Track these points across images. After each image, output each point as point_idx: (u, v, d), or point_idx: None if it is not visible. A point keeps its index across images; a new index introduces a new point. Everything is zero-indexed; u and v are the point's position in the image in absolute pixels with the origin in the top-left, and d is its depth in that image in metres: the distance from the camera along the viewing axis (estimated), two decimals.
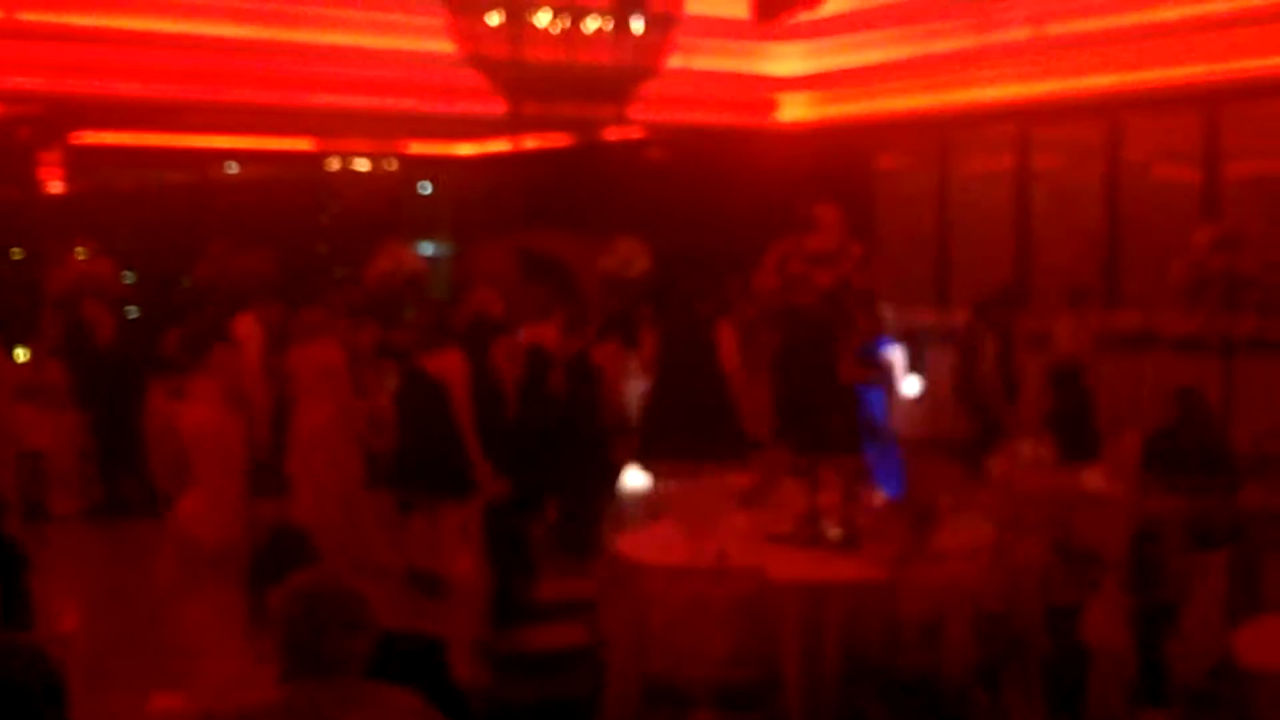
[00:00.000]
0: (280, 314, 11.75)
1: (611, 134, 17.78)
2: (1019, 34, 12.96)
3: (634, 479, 10.88)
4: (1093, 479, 8.10)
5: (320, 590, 3.52)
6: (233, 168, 20.57)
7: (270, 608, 3.51)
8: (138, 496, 11.92)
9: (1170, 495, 7.53)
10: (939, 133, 16.24)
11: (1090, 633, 6.13)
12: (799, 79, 16.18)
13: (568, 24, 10.26)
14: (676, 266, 13.97)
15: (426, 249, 20.88)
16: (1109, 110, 14.32)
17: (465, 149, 20.75)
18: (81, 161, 17.81)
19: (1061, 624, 6.32)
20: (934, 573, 6.05)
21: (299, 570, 3.88)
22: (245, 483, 10.22)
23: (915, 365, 12.93)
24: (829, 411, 7.46)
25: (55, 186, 17.55)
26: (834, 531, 6.68)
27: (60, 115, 15.84)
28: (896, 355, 11.67)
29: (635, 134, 17.67)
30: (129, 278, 17.66)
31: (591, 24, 10.30)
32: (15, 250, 17.33)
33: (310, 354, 9.87)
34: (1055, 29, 12.94)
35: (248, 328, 11.39)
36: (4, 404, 11.10)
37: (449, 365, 9.43)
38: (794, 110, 16.75)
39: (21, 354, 12.76)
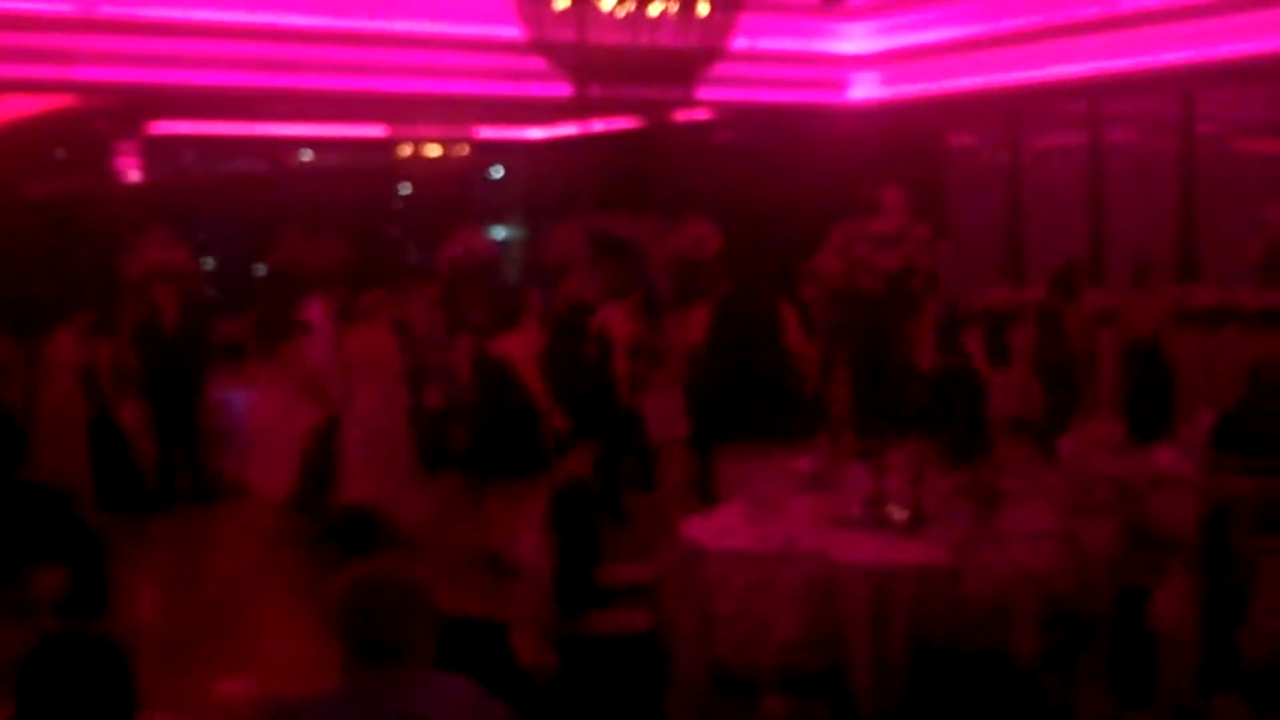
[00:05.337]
0: (347, 298, 11.88)
1: (679, 115, 17.76)
2: (1089, 9, 12.79)
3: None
4: (1164, 459, 8.00)
5: (379, 580, 3.55)
6: (306, 155, 20.74)
7: (329, 596, 3.55)
8: (191, 484, 12.12)
9: (1242, 476, 7.43)
10: (1010, 109, 16.10)
11: (1159, 617, 6.07)
12: (867, 57, 16.09)
13: (633, 7, 10.22)
14: (746, 247, 13.95)
15: (498, 233, 20.98)
16: (1182, 83, 14.13)
17: (535, 133, 20.81)
18: (158, 151, 18.06)
19: (1130, 608, 6.27)
20: (1000, 555, 6.02)
21: (367, 550, 3.93)
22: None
23: (993, 345, 12.83)
24: (896, 393, 7.43)
25: (132, 176, 17.79)
26: (900, 514, 6.66)
27: (136, 106, 16.05)
28: (973, 336, 11.63)
29: (703, 115, 17.64)
30: (209, 264, 17.90)
31: (657, 6, 10.25)
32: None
33: (360, 339, 9.97)
34: (1125, 2, 12.77)
35: (318, 312, 11.51)
36: (66, 391, 11.22)
37: (515, 346, 9.49)
38: (863, 89, 16.65)
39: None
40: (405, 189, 20.88)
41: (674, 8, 10.39)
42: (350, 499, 9.66)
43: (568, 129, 20.11)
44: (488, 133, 20.18)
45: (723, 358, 10.60)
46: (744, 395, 10.24)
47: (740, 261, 12.59)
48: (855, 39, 15.80)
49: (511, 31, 10.85)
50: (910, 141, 16.43)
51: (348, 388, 10.04)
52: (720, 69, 11.01)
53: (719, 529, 6.65)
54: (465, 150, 19.69)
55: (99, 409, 11.48)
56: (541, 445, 9.05)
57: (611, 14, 10.20)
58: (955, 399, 10.69)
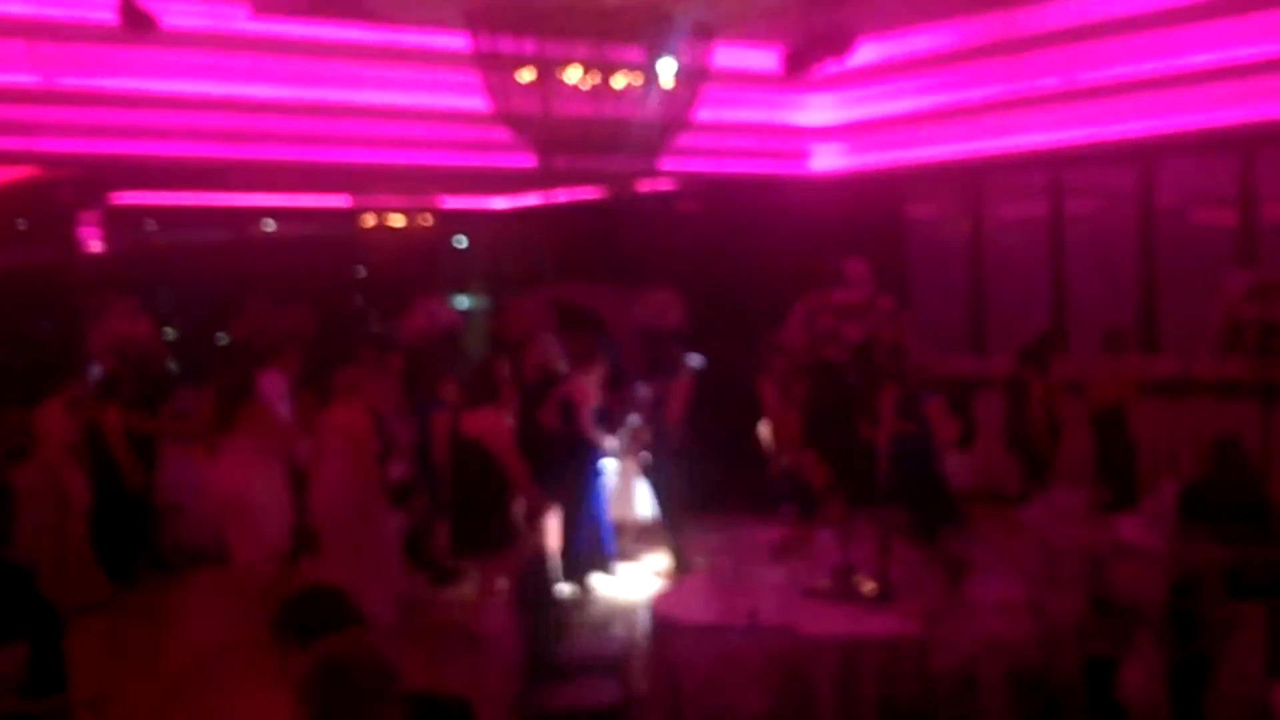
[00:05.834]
0: (300, 363, 11.83)
1: (643, 186, 17.84)
2: (1049, 81, 12.93)
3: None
4: (1129, 529, 8.03)
5: (345, 659, 3.51)
6: (269, 225, 20.72)
7: (297, 675, 3.51)
8: (148, 558, 12.00)
9: (1208, 545, 7.46)
10: (971, 180, 16.23)
11: (1127, 687, 6.07)
12: (829, 128, 16.20)
13: (597, 79, 10.29)
14: (709, 317, 13.98)
15: (462, 302, 20.97)
16: (1142, 155, 14.29)
17: (499, 203, 20.86)
18: (120, 220, 18.00)
19: (1098, 677, 6.26)
20: (968, 626, 6.01)
21: (330, 630, 3.88)
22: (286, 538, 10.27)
23: (955, 414, 12.88)
24: (861, 465, 7.44)
25: (95, 245, 17.73)
26: (868, 585, 6.65)
27: (98, 176, 16.01)
28: (938, 406, 11.66)
29: (667, 185, 17.72)
30: (170, 334, 17.81)
31: (620, 79, 10.32)
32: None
33: (336, 417, 9.93)
34: (1086, 75, 12.91)
35: (274, 383, 11.44)
36: (56, 462, 11.09)
37: (486, 424, 9.44)
38: (825, 159, 16.77)
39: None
40: (368, 259, 20.84)
41: (638, 80, 10.47)
42: (330, 576, 9.59)
43: (532, 199, 20.17)
44: (452, 202, 20.21)
45: (705, 429, 10.59)
46: (721, 467, 10.23)
47: (704, 331, 12.62)
48: (817, 110, 15.92)
49: (476, 103, 10.90)
50: (872, 211, 16.55)
51: (315, 461, 9.99)
52: (683, 140, 11.09)
53: (686, 601, 6.62)
54: (429, 220, 19.70)
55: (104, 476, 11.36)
56: (510, 521, 9.00)
57: (575, 86, 10.26)
58: (910, 469, 10.71)
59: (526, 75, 10.20)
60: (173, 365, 15.46)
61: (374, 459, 9.95)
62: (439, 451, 10.85)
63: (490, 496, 9.12)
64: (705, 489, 10.27)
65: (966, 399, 13.02)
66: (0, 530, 9.60)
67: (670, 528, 10.99)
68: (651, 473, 11.45)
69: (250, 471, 10.19)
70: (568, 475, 11.06)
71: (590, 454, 11.21)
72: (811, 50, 10.10)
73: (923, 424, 11.11)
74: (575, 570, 10.94)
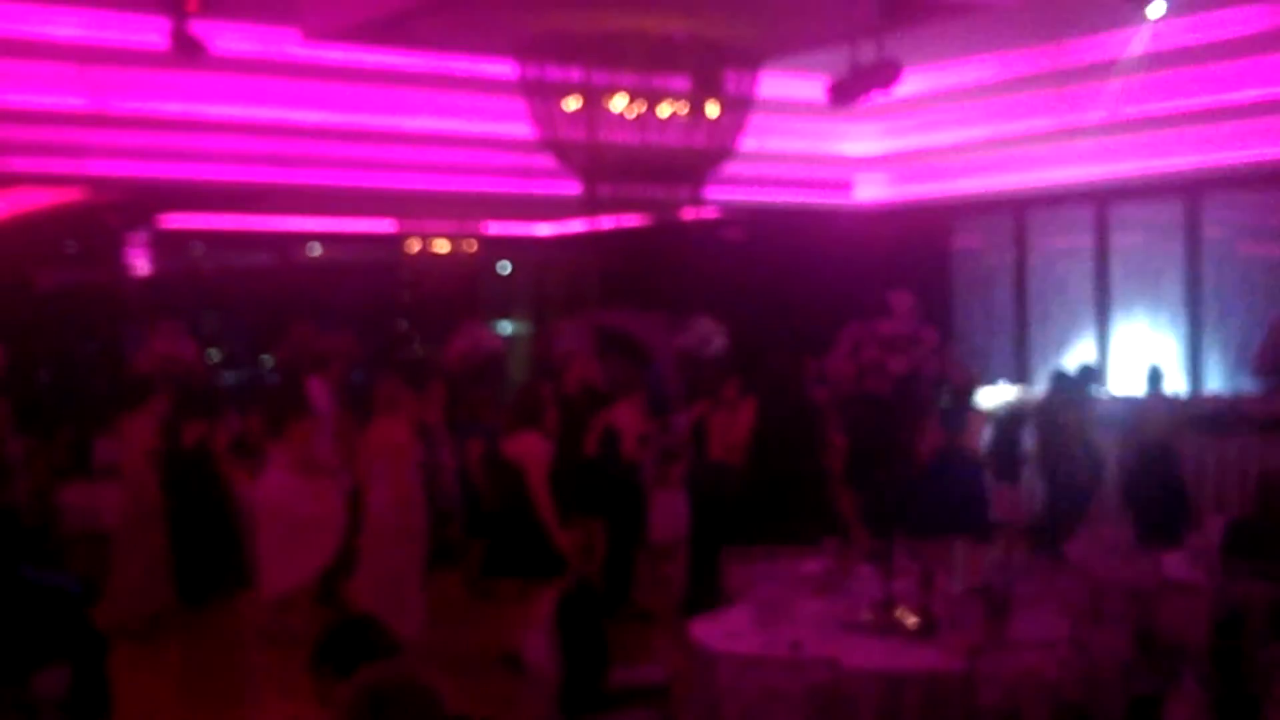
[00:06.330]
0: (344, 374, 11.82)
1: (688, 214, 17.87)
2: (1096, 114, 12.89)
3: None
4: (1174, 565, 7.96)
5: (388, 687, 3.52)
6: (315, 249, 20.85)
7: (338, 703, 3.52)
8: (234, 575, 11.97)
9: (1254, 583, 7.38)
10: (1016, 212, 16.19)
11: None
12: (875, 158, 16.19)
13: (644, 109, 10.32)
14: (753, 345, 13.96)
15: (505, 328, 21.04)
16: (1188, 188, 14.22)
17: (543, 229, 20.93)
18: (167, 244, 18.16)
19: (1142, 716, 6.20)
20: (1011, 662, 5.96)
21: (368, 660, 3.88)
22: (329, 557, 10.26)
23: (1002, 447, 12.81)
24: (905, 496, 7.41)
25: (142, 268, 17.89)
26: (910, 619, 6.61)
27: (146, 199, 16.15)
28: (984, 433, 11.62)
29: (711, 214, 17.75)
30: (215, 356, 17.94)
31: (666, 108, 10.35)
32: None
33: (380, 432, 9.92)
34: (1133, 109, 12.87)
35: (318, 391, 11.43)
36: (141, 477, 11.11)
37: (527, 448, 9.46)
38: (870, 190, 16.76)
39: None
40: (413, 284, 20.95)
41: (683, 109, 10.50)
42: (361, 593, 9.60)
43: (576, 225, 20.24)
44: (496, 228, 20.30)
45: (769, 458, 10.52)
46: (777, 497, 10.17)
47: (747, 360, 12.60)
48: (862, 140, 15.91)
49: (522, 130, 10.96)
50: (917, 242, 16.52)
51: (365, 480, 9.99)
52: (728, 169, 11.10)
53: (727, 632, 6.59)
54: (474, 245, 19.80)
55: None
56: (552, 546, 9.00)
57: (621, 115, 10.30)
58: (957, 484, 10.67)
59: (573, 103, 10.26)
60: (218, 385, 15.56)
61: (416, 472, 9.95)
62: (473, 473, 10.88)
63: (531, 521, 9.15)
64: (750, 519, 10.22)
65: (1012, 430, 12.93)
66: (42, 550, 9.65)
67: (704, 556, 10.95)
68: (694, 499, 11.39)
69: (298, 484, 10.19)
70: (611, 501, 11.06)
71: (634, 481, 11.21)
72: (858, 81, 10.09)
73: (965, 441, 11.12)
74: (617, 597, 10.92)
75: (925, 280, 15.14)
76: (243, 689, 9.37)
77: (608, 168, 10.60)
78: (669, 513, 11.62)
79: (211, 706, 9.00)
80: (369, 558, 9.73)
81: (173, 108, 12.33)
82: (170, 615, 10.93)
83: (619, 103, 10.23)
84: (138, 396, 11.25)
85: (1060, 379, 12.36)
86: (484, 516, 10.30)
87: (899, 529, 7.05)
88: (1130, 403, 12.61)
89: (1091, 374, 12.87)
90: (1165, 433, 11.90)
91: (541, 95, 10.29)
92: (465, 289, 20.27)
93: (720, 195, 13.75)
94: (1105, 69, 11.99)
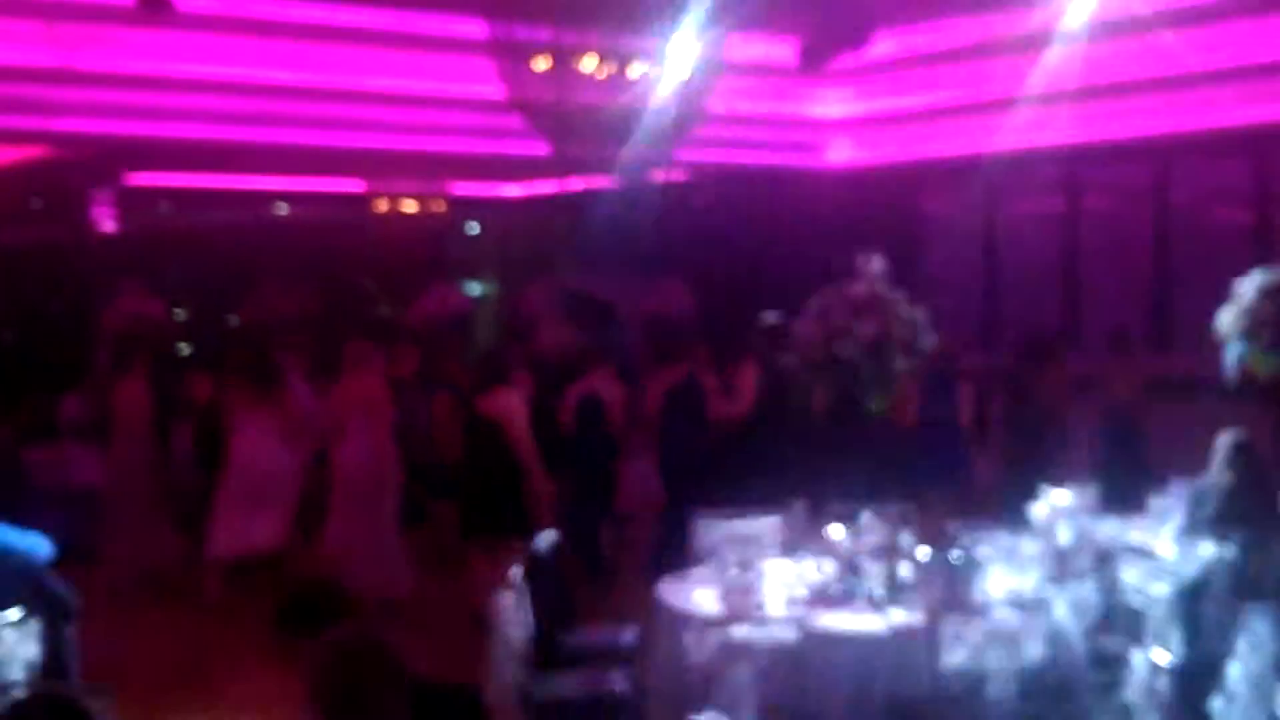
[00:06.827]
0: (314, 351, 11.79)
1: (657, 176, 17.81)
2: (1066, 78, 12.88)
3: None
4: (1138, 529, 8.00)
5: (355, 650, 3.52)
6: (281, 209, 20.69)
7: (303, 665, 3.51)
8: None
9: (1217, 546, 7.41)
10: (986, 175, 16.18)
11: (1134, 687, 6.05)
12: (845, 121, 16.17)
13: (614, 69, 10.29)
14: (720, 309, 13.95)
15: (473, 289, 20.95)
16: (1158, 153, 14.24)
17: (512, 190, 20.83)
18: (133, 202, 17.99)
19: (1106, 676, 6.24)
20: (976, 622, 6.00)
21: (330, 623, 3.87)
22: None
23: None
24: (870, 457, 7.42)
25: (107, 226, 17.73)
26: (876, 581, 6.63)
27: (112, 157, 16.01)
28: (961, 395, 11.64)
29: (680, 176, 17.70)
30: (180, 316, 17.81)
31: (637, 69, 10.33)
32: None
33: (351, 388, 9.89)
34: (1103, 73, 12.86)
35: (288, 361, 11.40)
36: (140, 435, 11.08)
37: (504, 404, 9.42)
38: (840, 152, 16.73)
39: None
40: (381, 244, 20.82)
41: (654, 70, 10.47)
42: (334, 550, 9.59)
43: (545, 187, 20.14)
44: (464, 189, 20.18)
45: (770, 423, 10.47)
46: (771, 461, 10.13)
47: (715, 323, 12.58)
48: (833, 103, 15.88)
49: (491, 89, 10.91)
50: (887, 205, 16.50)
51: (334, 437, 9.96)
52: (697, 131, 11.08)
53: (693, 594, 6.60)
54: (441, 206, 19.68)
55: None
56: (526, 506, 9.00)
57: (591, 75, 10.27)
58: (942, 457, 10.69)
59: (542, 63, 10.22)
60: (184, 347, 15.48)
61: (390, 427, 9.93)
62: (439, 431, 10.84)
63: (504, 480, 9.12)
64: (722, 482, 10.22)
65: (982, 394, 12.95)
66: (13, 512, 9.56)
67: (675, 521, 10.94)
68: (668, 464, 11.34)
69: (271, 448, 10.18)
70: (586, 465, 11.06)
71: (610, 447, 11.21)
72: (828, 43, 10.08)
73: (953, 410, 11.16)
74: (588, 558, 10.93)
75: (895, 244, 15.13)
76: (242, 651, 9.29)
77: (577, 128, 10.58)
78: (637, 482, 11.62)
79: (205, 667, 8.98)
80: (341, 514, 9.71)
81: (140, 65, 12.24)
82: (166, 576, 10.96)
83: (589, 63, 10.20)
84: (123, 357, 11.23)
85: (1028, 343, 12.36)
86: (453, 476, 10.25)
87: (867, 490, 7.07)
88: (1097, 367, 12.63)
89: (1059, 338, 12.89)
90: (1131, 397, 11.93)
91: (510, 55, 10.26)
92: (433, 250, 20.15)
93: (690, 157, 13.73)
94: (1075, 33, 11.98)
